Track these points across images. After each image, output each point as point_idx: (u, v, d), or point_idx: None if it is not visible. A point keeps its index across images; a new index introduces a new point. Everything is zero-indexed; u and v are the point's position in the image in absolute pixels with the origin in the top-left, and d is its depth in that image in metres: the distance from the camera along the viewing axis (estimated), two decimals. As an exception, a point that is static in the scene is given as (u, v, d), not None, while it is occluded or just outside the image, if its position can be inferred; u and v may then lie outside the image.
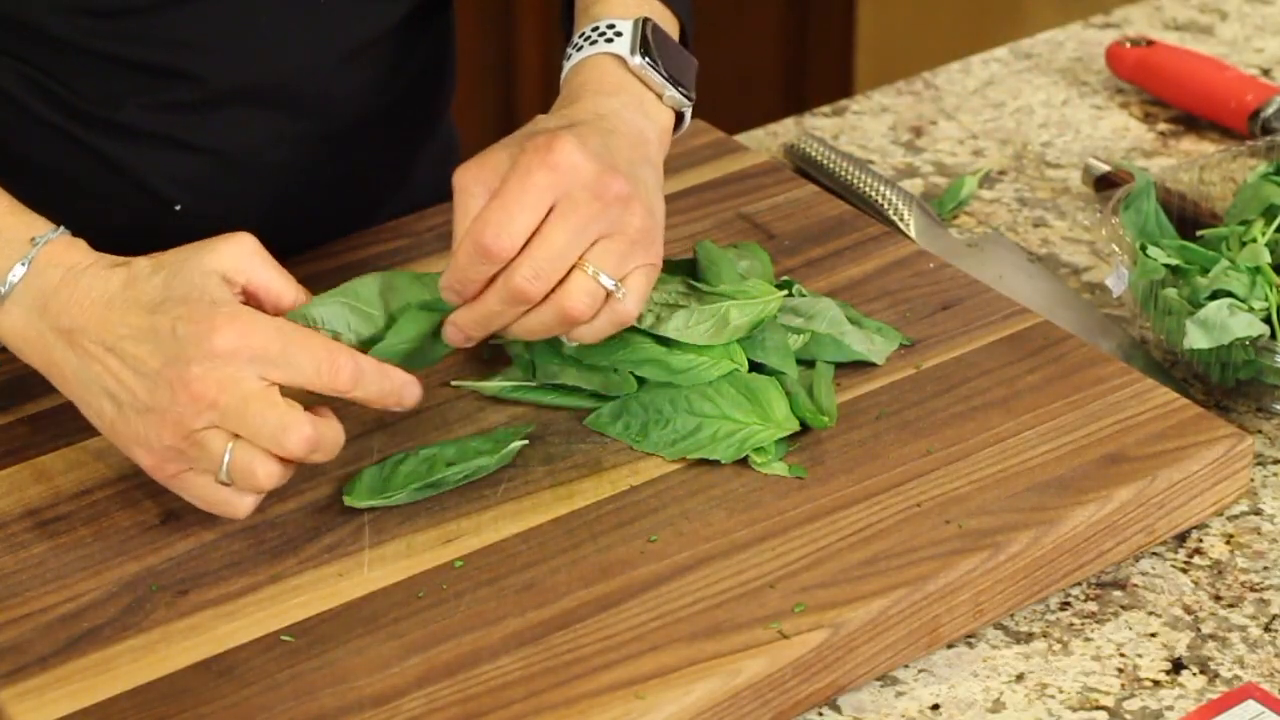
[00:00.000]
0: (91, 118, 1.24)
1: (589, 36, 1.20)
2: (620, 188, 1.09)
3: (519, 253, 1.07)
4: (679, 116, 1.22)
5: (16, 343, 1.08)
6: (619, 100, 1.17)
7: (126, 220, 1.26)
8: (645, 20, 1.20)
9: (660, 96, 1.19)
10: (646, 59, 1.18)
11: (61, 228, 1.09)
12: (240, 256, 1.07)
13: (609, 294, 1.09)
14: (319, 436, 1.05)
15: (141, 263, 1.07)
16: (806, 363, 1.19)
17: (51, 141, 1.25)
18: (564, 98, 1.18)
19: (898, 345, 1.22)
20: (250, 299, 1.08)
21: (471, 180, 1.09)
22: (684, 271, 1.22)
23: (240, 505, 1.07)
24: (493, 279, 1.08)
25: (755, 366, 1.18)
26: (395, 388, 1.07)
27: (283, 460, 1.05)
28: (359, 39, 1.30)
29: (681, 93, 1.20)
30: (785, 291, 1.21)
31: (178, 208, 1.28)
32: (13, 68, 1.23)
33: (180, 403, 1.03)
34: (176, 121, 1.26)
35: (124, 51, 1.23)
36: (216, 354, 1.03)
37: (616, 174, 1.09)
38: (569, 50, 1.21)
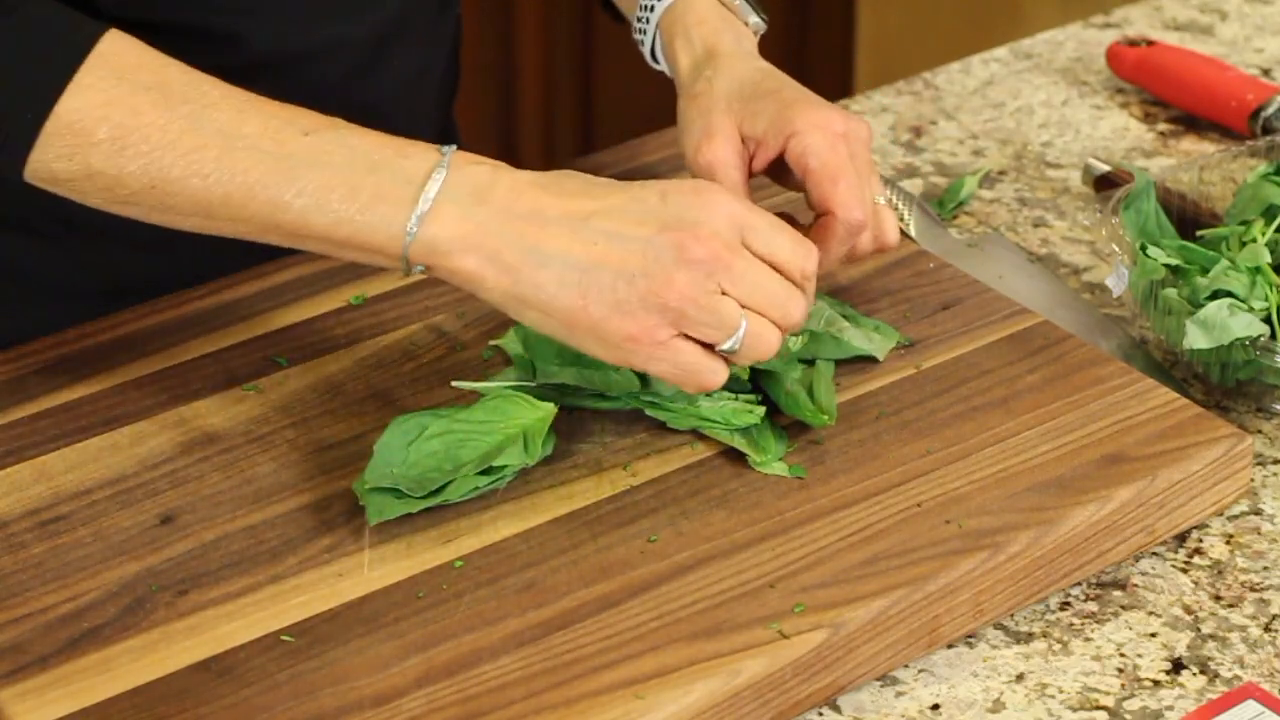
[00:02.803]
0: None
1: None
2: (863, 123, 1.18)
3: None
4: None
5: (450, 244, 1.04)
6: (750, 42, 1.24)
7: None
8: None
9: (746, 23, 1.25)
10: None
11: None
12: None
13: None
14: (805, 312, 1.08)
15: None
16: (806, 361, 1.19)
17: None
18: (700, 44, 1.22)
19: (896, 342, 1.22)
20: None
21: (731, 155, 1.16)
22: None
23: (720, 376, 1.06)
24: None
25: (756, 369, 1.18)
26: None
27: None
28: (388, 19, 1.31)
29: (762, 18, 1.25)
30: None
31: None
32: None
33: (691, 263, 1.02)
34: None
35: (161, 15, 1.23)
36: (718, 216, 1.03)
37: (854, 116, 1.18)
38: None
